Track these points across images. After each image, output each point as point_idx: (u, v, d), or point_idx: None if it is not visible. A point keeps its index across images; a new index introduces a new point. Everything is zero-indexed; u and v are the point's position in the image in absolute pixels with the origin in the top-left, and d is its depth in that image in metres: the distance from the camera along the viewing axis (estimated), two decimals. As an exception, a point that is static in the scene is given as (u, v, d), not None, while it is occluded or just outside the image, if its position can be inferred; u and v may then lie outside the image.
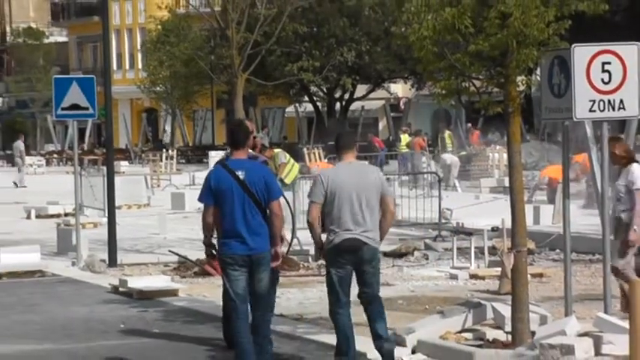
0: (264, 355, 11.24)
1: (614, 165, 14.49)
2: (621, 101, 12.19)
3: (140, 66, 78.82)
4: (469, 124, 52.08)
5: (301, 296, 16.45)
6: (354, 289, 11.57)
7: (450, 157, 39.12)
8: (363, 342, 12.79)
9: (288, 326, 13.85)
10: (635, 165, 13.90)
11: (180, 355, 12.85)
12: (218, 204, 11.15)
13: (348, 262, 11.47)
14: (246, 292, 11.14)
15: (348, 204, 11.40)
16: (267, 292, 11.33)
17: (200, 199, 11.45)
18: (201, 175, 39.58)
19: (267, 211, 11.15)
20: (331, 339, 13.00)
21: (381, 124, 71.18)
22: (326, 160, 41.17)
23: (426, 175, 33.62)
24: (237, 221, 11.06)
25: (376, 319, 11.64)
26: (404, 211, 25.76)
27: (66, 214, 29.04)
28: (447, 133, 46.27)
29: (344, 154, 11.78)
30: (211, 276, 18.62)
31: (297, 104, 67.39)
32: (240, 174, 11.10)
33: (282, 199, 11.52)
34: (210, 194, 11.20)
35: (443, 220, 23.98)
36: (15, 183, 46.52)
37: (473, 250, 18.85)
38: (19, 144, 51.98)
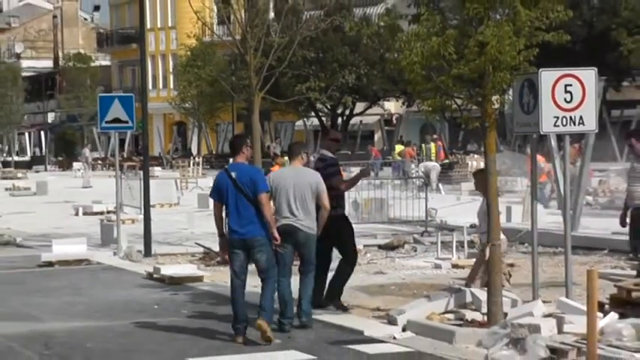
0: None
1: (637, 158, 14.39)
2: (581, 117, 12.23)
3: (172, 86, 78.81)
4: (434, 135, 51.88)
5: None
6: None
7: (431, 164, 39.11)
8: (359, 321, 12.87)
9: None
10: None
11: (205, 331, 12.85)
12: (222, 200, 12.06)
13: (289, 243, 12.46)
14: (243, 269, 12.15)
15: (285, 198, 12.51)
16: (269, 266, 12.07)
17: (209, 196, 12.70)
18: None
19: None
20: (334, 319, 13.05)
21: (377, 136, 71.10)
22: None
23: (415, 180, 33.66)
24: (232, 212, 12.00)
25: (302, 293, 12.82)
26: (396, 210, 25.80)
27: (108, 212, 29.09)
28: (432, 144, 46.27)
29: (291, 161, 13.06)
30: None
31: (305, 119, 67.37)
32: (233, 174, 12.01)
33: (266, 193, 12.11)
34: (215, 192, 12.20)
35: (429, 218, 24.00)
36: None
37: (455, 243, 18.87)
38: (86, 151, 52.01)
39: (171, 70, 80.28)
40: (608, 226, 21.36)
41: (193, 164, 56.68)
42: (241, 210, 11.92)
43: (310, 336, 12.25)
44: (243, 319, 12.02)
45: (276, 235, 12.09)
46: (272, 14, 23.18)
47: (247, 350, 11.53)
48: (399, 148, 47.51)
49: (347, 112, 63.34)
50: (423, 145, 42.51)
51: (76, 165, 68.51)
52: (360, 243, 20.34)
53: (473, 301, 12.53)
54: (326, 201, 12.75)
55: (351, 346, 11.55)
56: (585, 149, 21.38)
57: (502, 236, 13.03)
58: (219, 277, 17.19)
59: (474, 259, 16.29)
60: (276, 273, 12.28)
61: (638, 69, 49.90)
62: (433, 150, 44.64)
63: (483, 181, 12.74)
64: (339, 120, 63.72)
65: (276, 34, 20.83)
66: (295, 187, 12.60)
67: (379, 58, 54.26)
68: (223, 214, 12.25)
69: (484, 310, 12.07)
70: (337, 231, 13.46)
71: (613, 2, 44.75)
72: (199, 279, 17.02)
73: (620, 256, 17.99)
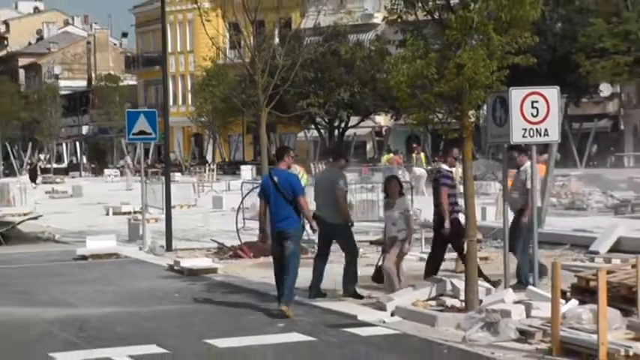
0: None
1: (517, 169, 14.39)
2: (546, 130, 12.27)
3: (190, 102, 78.90)
4: (414, 145, 51.70)
5: (308, 273, 16.46)
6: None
7: (419, 170, 39.02)
8: (353, 308, 12.86)
9: (298, 296, 13.86)
10: None
11: (219, 315, 12.87)
12: (266, 199, 12.77)
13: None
14: (281, 255, 12.76)
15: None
16: (292, 255, 12.68)
17: (257, 195, 13.55)
18: (235, 183, 39.73)
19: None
20: (331, 305, 13.06)
21: (368, 146, 71.05)
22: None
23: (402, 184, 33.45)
24: (272, 209, 12.69)
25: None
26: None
27: (135, 212, 29.08)
28: (422, 154, 46.20)
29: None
30: (242, 258, 18.69)
31: (306, 131, 67.40)
32: (275, 178, 12.76)
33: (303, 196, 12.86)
34: (261, 192, 13.03)
35: (414, 217, 23.93)
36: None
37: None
38: (127, 159, 51.83)
39: (189, 88, 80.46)
40: (569, 224, 21.41)
41: (208, 170, 56.74)
42: (279, 207, 12.66)
43: (311, 320, 12.24)
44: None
45: (315, 226, 13.14)
46: (277, 40, 23.16)
47: (256, 332, 11.52)
48: (387, 156, 47.54)
49: (342, 124, 63.39)
50: (414, 154, 42.37)
51: (107, 171, 68.58)
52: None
53: (452, 290, 12.53)
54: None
55: (346, 329, 11.55)
56: (550, 158, 21.37)
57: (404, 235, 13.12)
58: (231, 269, 17.20)
59: (455, 253, 16.32)
60: (298, 263, 12.84)
61: (594, 87, 50.05)
62: (423, 159, 44.52)
63: (395, 187, 13.31)
64: (336, 132, 63.74)
65: (281, 57, 20.81)
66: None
67: (370, 78, 54.36)
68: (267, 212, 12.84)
69: (462, 297, 12.09)
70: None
71: (573, 30, 44.92)
72: (214, 271, 17.02)
73: (580, 250, 17.98)
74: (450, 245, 14.29)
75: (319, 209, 13.76)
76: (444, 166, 14.30)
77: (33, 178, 55.16)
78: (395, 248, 13.46)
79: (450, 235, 13.83)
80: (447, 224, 13.73)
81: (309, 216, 13.07)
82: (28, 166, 69.64)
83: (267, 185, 12.90)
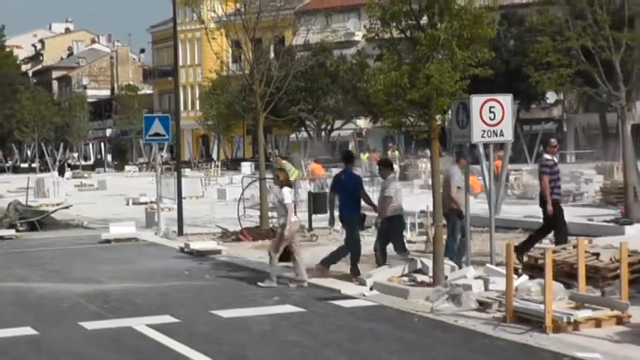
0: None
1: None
2: (501, 131, 12.26)
3: (198, 108, 78.75)
4: (390, 144, 51.56)
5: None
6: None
7: (394, 167, 38.95)
8: (338, 283, 12.84)
9: (290, 273, 13.84)
10: None
11: (224, 290, 12.84)
12: (337, 192, 13.78)
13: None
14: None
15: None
16: (348, 236, 13.65)
17: (330, 189, 14.49)
18: (236, 177, 39.67)
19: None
20: (318, 281, 13.03)
21: (351, 145, 70.70)
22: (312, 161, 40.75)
23: (379, 177, 33.45)
24: (340, 201, 13.62)
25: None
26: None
27: (151, 202, 29.02)
28: (396, 152, 46.16)
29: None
30: (242, 241, 18.66)
31: (297, 132, 67.32)
32: (343, 177, 13.77)
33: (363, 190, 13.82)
34: (333, 186, 14.13)
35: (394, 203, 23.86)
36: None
37: (408, 224, 18.85)
38: (159, 156, 51.20)
39: (197, 96, 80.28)
40: (521, 211, 21.43)
41: (214, 167, 56.55)
42: (343, 199, 13.52)
43: (302, 294, 12.22)
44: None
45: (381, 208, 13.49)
46: (272, 54, 23.08)
47: (255, 304, 11.50)
48: (366, 155, 47.53)
49: (328, 127, 63.40)
50: (389, 152, 42.26)
51: (127, 167, 68.33)
52: (338, 225, 20.34)
53: (422, 268, 12.52)
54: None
55: (332, 302, 11.55)
56: (505, 155, 21.40)
57: (295, 218, 12.99)
58: (234, 251, 17.18)
59: (425, 236, 16.33)
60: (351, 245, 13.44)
61: (542, 95, 50.17)
62: (397, 156, 44.46)
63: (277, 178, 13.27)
64: (323, 133, 63.75)
65: (276, 69, 20.74)
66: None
67: (352, 87, 54.18)
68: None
69: (430, 274, 12.07)
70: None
71: (523, 47, 44.97)
72: (219, 252, 17.01)
73: (530, 233, 17.98)
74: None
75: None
76: (547, 156, 13.97)
77: (61, 173, 55.07)
78: (278, 232, 13.32)
79: (553, 214, 13.55)
80: (549, 207, 13.42)
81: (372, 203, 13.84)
82: (58, 163, 69.55)
83: (337, 181, 13.85)
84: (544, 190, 13.68)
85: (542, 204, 13.82)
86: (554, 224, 13.81)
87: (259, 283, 12.92)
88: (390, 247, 13.45)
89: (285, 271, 13.37)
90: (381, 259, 13.25)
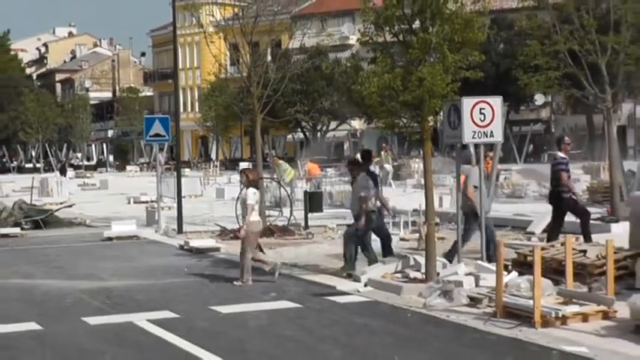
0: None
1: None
2: (491, 132, 12.25)
3: (197, 110, 78.71)
4: (384, 144, 51.62)
5: (295, 252, 16.49)
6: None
7: (387, 166, 39.02)
8: (333, 279, 12.84)
9: (287, 270, 13.87)
10: None
11: (222, 286, 12.83)
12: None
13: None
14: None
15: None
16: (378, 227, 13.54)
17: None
18: (235, 177, 39.67)
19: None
20: (314, 278, 13.03)
21: (345, 146, 71.04)
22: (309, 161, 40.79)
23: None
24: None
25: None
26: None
27: (151, 201, 29.01)
28: (388, 152, 46.08)
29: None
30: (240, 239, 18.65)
31: (293, 133, 67.38)
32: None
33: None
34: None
35: (390, 205, 23.86)
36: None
37: (402, 222, 18.86)
38: (159, 156, 51.05)
39: (196, 98, 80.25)
40: (511, 209, 21.45)
41: (213, 166, 56.57)
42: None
43: (298, 290, 12.22)
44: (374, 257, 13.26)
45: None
46: (269, 57, 23.06)
47: (253, 300, 11.49)
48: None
49: (324, 128, 63.40)
50: (383, 153, 42.40)
51: (128, 167, 68.30)
52: (334, 223, 20.36)
53: (415, 264, 12.52)
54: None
55: (327, 297, 11.54)
56: (495, 155, 21.37)
57: (255, 219, 12.84)
58: (232, 249, 17.15)
59: (417, 234, 16.32)
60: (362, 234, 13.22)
61: (531, 97, 50.23)
62: (390, 157, 44.47)
63: (243, 178, 12.91)
64: (318, 134, 63.73)
65: (273, 72, 20.73)
66: None
67: (347, 89, 54.11)
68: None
69: (423, 270, 12.07)
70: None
71: (513, 50, 45.07)
72: (217, 249, 16.99)
73: (519, 231, 18.03)
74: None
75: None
76: (560, 154, 13.92)
77: (63, 173, 55.14)
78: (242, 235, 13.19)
79: (572, 208, 13.57)
80: (570, 195, 13.42)
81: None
82: (60, 164, 69.71)
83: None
84: (568, 185, 13.68)
85: (554, 200, 13.78)
86: (574, 212, 13.78)
87: (235, 282, 12.86)
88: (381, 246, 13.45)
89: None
90: (352, 257, 13.18)
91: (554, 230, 14.00)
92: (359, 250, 13.23)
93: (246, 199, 12.87)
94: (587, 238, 13.62)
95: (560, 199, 13.83)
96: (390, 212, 13.80)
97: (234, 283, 12.82)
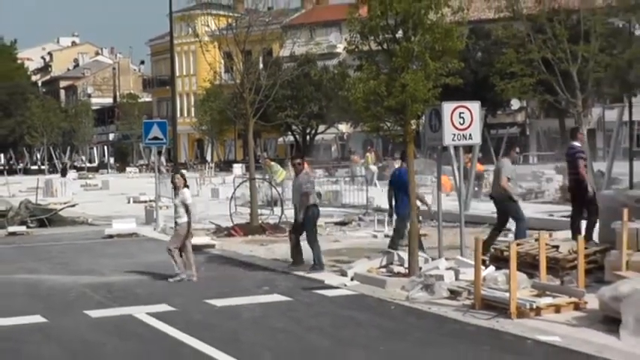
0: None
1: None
2: (470, 134, 12.26)
3: (193, 114, 78.55)
4: (369, 147, 51.56)
5: (286, 248, 16.44)
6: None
7: (373, 167, 39.03)
8: (321, 274, 12.83)
9: (278, 265, 13.84)
10: None
11: (217, 281, 12.82)
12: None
13: None
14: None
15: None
16: (399, 223, 13.65)
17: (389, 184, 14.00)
18: (229, 178, 39.57)
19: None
20: (303, 273, 13.01)
21: (333, 148, 71.02)
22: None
23: (359, 177, 33.62)
24: (395, 197, 13.56)
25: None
26: (346, 198, 25.77)
27: (150, 200, 28.89)
28: (372, 153, 46.09)
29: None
30: (234, 236, 18.61)
31: (284, 136, 67.32)
32: (398, 173, 13.58)
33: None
34: (390, 182, 13.80)
35: (369, 204, 23.99)
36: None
37: (386, 220, 18.86)
38: (161, 159, 50.84)
39: (192, 103, 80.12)
40: (489, 208, 21.43)
41: (208, 168, 56.44)
42: (400, 197, 13.33)
43: (289, 284, 12.20)
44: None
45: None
46: (261, 65, 23.04)
47: (246, 294, 11.47)
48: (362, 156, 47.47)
49: (313, 131, 63.34)
50: (368, 154, 42.40)
51: (128, 169, 68.08)
52: (322, 221, 20.34)
53: (398, 260, 12.52)
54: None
55: (316, 291, 11.52)
56: (473, 156, 21.45)
57: (185, 219, 12.95)
58: (226, 245, 17.14)
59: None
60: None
61: (507, 102, 50.38)
62: (374, 158, 44.45)
63: (179, 181, 13.20)
64: (308, 137, 63.68)
65: (264, 78, 20.72)
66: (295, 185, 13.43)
67: (335, 95, 54.20)
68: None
69: (406, 265, 12.08)
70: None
71: (490, 58, 45.20)
72: (212, 246, 16.97)
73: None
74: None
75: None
76: (576, 143, 13.53)
77: (64, 174, 55.12)
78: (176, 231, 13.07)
79: (590, 201, 13.07)
80: (590, 188, 13.03)
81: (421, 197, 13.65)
82: (61, 166, 69.67)
83: (393, 178, 13.75)
84: (583, 175, 13.03)
85: (576, 186, 13.14)
86: (587, 208, 13.09)
87: (169, 279, 12.77)
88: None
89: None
90: (295, 252, 13.15)
91: (576, 217, 13.26)
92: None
93: (185, 199, 13.08)
94: (588, 238, 13.33)
95: (580, 186, 13.10)
96: (429, 208, 13.90)
97: (169, 280, 12.70)
